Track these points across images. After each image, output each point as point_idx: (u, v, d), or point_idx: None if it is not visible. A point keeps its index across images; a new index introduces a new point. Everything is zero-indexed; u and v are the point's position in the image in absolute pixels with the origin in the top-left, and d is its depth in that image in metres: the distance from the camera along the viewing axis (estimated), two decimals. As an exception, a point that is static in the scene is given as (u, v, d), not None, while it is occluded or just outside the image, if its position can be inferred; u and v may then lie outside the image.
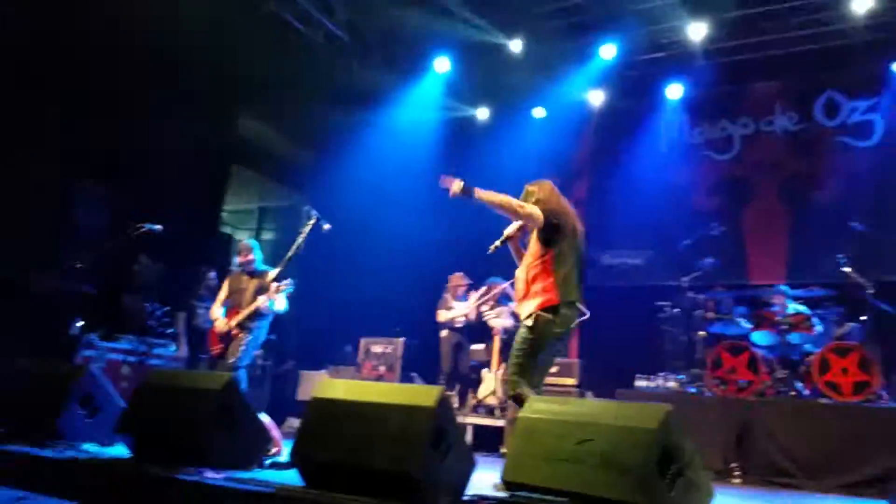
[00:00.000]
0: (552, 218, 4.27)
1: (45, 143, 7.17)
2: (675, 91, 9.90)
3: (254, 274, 5.93)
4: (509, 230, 4.50)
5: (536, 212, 4.25)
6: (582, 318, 4.34)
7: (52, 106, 7.30)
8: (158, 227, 6.58)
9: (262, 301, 5.62)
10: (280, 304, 5.73)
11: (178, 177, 8.68)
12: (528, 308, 4.20)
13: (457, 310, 8.20)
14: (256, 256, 6.04)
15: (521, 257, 4.49)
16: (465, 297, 8.30)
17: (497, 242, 4.46)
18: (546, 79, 10.08)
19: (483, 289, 8.13)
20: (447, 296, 8.36)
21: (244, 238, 14.02)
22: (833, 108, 9.07)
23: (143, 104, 8.24)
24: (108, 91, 7.83)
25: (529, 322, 4.16)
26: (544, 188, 4.48)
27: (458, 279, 8.36)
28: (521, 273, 4.38)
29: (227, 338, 5.76)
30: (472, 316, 8.14)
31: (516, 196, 4.38)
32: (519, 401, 3.92)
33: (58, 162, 7.14)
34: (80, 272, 7.05)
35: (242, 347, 5.64)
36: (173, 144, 8.62)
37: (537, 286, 4.22)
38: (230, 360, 5.56)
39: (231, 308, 5.92)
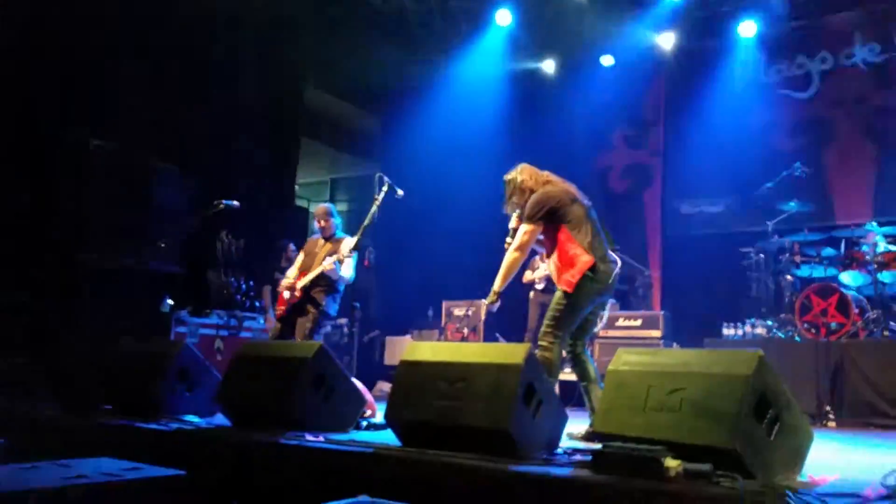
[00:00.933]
0: (545, 207, 4.27)
1: (124, 124, 7.39)
2: (748, 28, 9.49)
3: (330, 239, 5.92)
4: (513, 223, 4.50)
5: (527, 234, 4.29)
6: (617, 270, 4.31)
7: (127, 88, 7.52)
8: (236, 203, 6.71)
9: (328, 263, 5.54)
10: (347, 270, 5.65)
11: (251, 152, 8.89)
12: (569, 278, 4.17)
13: (540, 270, 8.13)
14: (335, 221, 5.99)
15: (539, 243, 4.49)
16: None
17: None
18: (613, 24, 9.81)
19: None
20: (536, 257, 8.35)
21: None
22: (919, 34, 8.60)
23: (210, 81, 8.42)
24: (177, 69, 8.03)
25: (563, 288, 4.17)
26: (524, 172, 4.48)
27: None
28: (550, 263, 4.37)
29: (291, 298, 5.76)
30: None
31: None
32: (548, 364, 3.96)
33: (136, 143, 7.37)
34: (165, 252, 7.29)
35: (310, 325, 5.63)
36: (243, 120, 8.82)
37: (568, 258, 4.22)
38: (299, 340, 5.58)
39: (302, 270, 5.89)
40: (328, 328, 5.90)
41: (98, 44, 7.25)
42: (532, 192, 4.39)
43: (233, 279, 7.94)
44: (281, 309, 5.89)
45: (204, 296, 7.90)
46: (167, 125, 7.89)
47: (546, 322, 4.20)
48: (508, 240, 4.46)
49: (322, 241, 5.96)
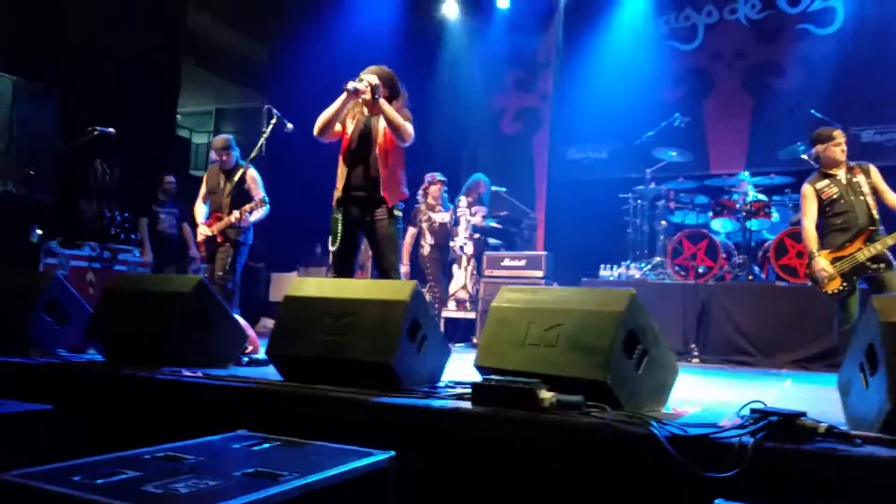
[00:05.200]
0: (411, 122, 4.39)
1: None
2: (640, -21, 9.70)
3: (231, 173, 5.72)
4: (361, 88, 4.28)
5: (411, 130, 4.32)
6: None
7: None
8: (111, 130, 6.35)
9: (235, 217, 5.47)
10: (258, 214, 5.62)
11: (128, 77, 8.36)
12: (395, 197, 4.35)
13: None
14: (235, 154, 5.87)
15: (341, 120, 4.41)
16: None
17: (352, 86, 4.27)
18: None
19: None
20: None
21: (203, 141, 13.71)
22: (796, -4, 9.01)
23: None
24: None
25: (398, 213, 4.37)
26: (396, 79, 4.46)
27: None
28: (376, 155, 4.33)
29: (212, 243, 5.68)
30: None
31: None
32: None
33: (3, 65, 6.81)
34: (34, 179, 6.84)
35: (230, 259, 5.56)
36: (119, 42, 8.26)
37: (398, 177, 4.41)
38: (219, 274, 5.54)
39: (212, 210, 5.79)
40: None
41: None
42: (404, 100, 4.44)
43: (107, 209, 7.56)
44: (204, 252, 5.83)
45: (75, 226, 7.49)
46: (33, 41, 7.30)
47: (397, 261, 4.39)
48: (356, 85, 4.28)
49: (223, 175, 5.80)
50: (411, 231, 7.61)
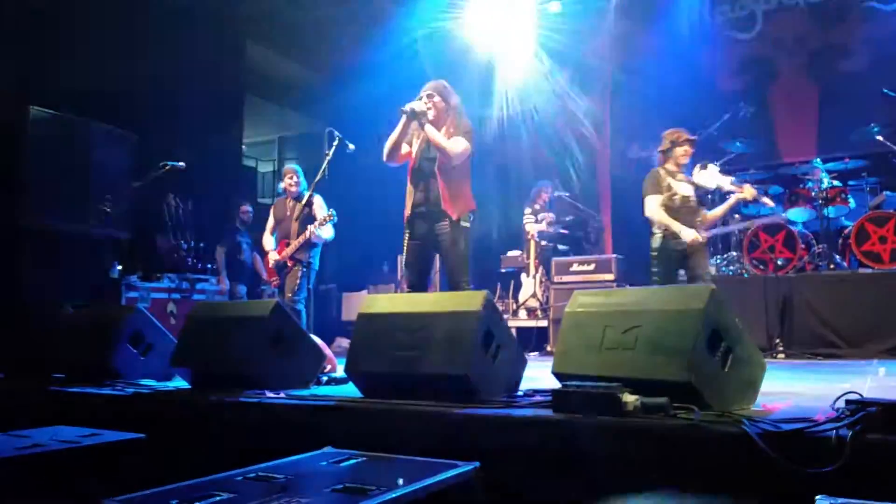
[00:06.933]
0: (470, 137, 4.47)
1: (63, 89, 7.13)
2: (693, -29, 9.51)
3: (298, 199, 6.00)
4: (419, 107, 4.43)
5: (466, 151, 4.41)
6: None
7: (64, 47, 7.23)
8: (182, 164, 6.59)
9: (309, 232, 5.74)
10: (327, 232, 5.86)
11: (195, 113, 8.65)
12: (459, 210, 4.40)
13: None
14: (301, 181, 6.14)
15: (407, 140, 4.53)
16: None
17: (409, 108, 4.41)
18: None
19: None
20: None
21: (269, 169, 14.05)
22: (859, -28, 8.70)
23: (148, 39, 8.14)
24: (113, 29, 7.75)
25: (465, 224, 4.42)
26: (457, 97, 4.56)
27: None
28: (436, 171, 4.42)
29: (282, 269, 5.93)
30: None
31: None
32: None
33: (75, 106, 7.12)
34: (111, 216, 7.10)
35: (299, 282, 5.78)
36: (184, 78, 8.55)
37: (462, 190, 4.45)
38: (289, 295, 5.76)
39: (280, 238, 6.06)
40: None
41: (31, 8, 6.94)
42: (457, 111, 4.49)
43: (182, 241, 7.81)
44: (275, 279, 6.07)
45: (154, 260, 7.75)
46: (105, 85, 7.62)
47: (466, 273, 4.38)
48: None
49: (291, 203, 6.06)
50: (655, 198, 5.62)
